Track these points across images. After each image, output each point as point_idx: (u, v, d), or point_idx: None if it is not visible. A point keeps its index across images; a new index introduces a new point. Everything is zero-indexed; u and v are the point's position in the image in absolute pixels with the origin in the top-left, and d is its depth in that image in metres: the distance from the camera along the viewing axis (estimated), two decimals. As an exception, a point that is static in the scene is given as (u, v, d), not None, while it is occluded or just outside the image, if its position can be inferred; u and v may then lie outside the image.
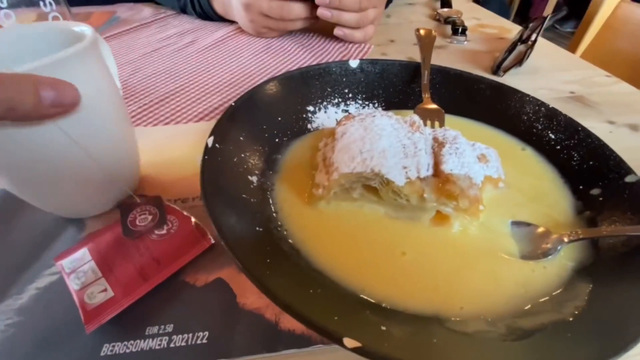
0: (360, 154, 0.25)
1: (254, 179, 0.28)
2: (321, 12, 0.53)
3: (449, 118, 0.36)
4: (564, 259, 0.23)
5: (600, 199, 0.26)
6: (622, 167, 0.27)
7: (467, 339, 0.17)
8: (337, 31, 0.57)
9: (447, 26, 0.68)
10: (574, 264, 0.23)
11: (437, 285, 0.21)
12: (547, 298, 0.20)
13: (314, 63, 0.53)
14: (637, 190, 0.25)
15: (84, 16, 0.67)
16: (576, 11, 2.54)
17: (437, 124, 0.34)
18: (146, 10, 0.72)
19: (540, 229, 0.24)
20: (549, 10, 2.56)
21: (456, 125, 0.33)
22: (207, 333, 0.21)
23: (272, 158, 0.31)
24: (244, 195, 0.25)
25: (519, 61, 0.52)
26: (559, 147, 0.31)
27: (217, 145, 0.26)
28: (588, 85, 0.50)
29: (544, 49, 0.61)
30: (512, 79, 0.50)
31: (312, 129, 0.36)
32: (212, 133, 0.27)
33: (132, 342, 0.21)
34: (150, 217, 0.27)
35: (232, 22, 0.65)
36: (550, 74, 0.53)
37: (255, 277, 0.17)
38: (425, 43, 0.41)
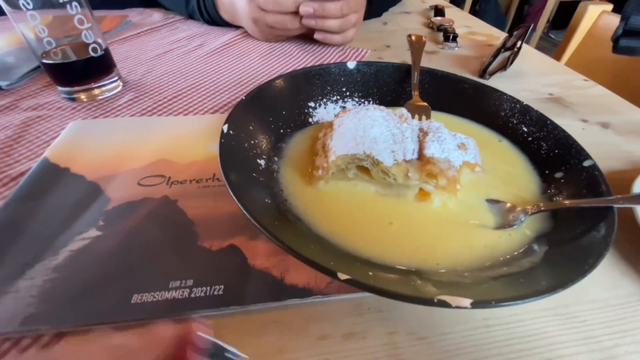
0: (354, 139, 0.29)
1: (262, 162, 0.32)
2: (306, 21, 0.56)
3: (436, 114, 0.40)
4: (527, 229, 0.27)
5: (562, 180, 0.30)
6: (581, 154, 0.31)
7: (441, 283, 0.21)
8: (317, 35, 0.59)
9: (440, 33, 0.72)
10: (534, 233, 0.27)
11: (418, 247, 0.25)
12: (508, 257, 0.24)
13: (300, 65, 0.57)
14: (592, 172, 0.29)
15: (97, 19, 0.72)
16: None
17: (424, 117, 0.38)
18: (156, 15, 0.76)
19: (509, 205, 0.28)
20: (543, 21, 2.63)
21: (442, 119, 0.37)
22: (222, 286, 0.25)
23: (278, 146, 0.35)
24: (254, 174, 0.29)
25: (504, 66, 0.56)
26: (530, 138, 0.35)
27: (230, 132, 0.30)
28: (566, 88, 0.55)
29: (529, 55, 0.66)
30: (497, 82, 0.55)
31: (312, 123, 0.40)
32: (227, 121, 0.31)
33: (158, 292, 0.25)
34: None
35: (238, 27, 0.69)
36: (533, 78, 0.58)
37: (266, 229, 0.21)
38: (416, 47, 0.46)
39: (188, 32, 0.69)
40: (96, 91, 0.47)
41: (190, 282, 0.25)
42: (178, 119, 0.44)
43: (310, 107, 0.41)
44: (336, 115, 0.35)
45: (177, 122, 0.43)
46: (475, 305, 0.17)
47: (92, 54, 0.45)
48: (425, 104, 0.40)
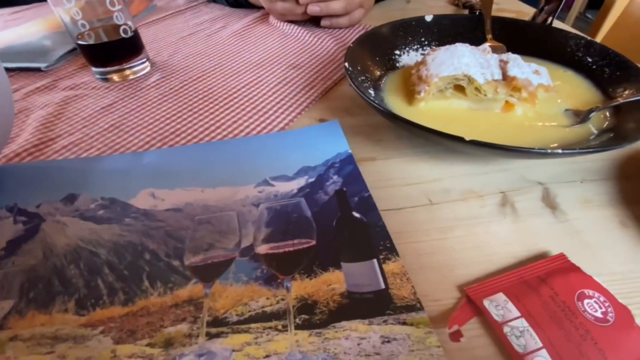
0: (452, 65, 0.37)
1: (371, 92, 0.41)
2: (310, 8, 0.58)
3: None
4: (592, 125, 0.36)
5: (626, 92, 0.38)
6: (639, 72, 0.38)
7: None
8: (324, 22, 0.61)
9: (466, 11, 0.70)
10: (597, 128, 0.35)
11: (504, 139, 0.34)
12: (576, 142, 0.33)
13: (319, 47, 0.57)
14: (650, 83, 0.36)
15: (126, 3, 0.72)
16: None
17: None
18: (180, -1, 0.78)
19: (577, 110, 0.37)
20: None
21: (513, 57, 0.45)
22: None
23: (378, 83, 0.44)
24: (370, 99, 0.39)
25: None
26: (594, 66, 0.42)
27: (350, 68, 0.40)
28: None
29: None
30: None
31: (399, 67, 0.49)
32: (345, 60, 0.40)
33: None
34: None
35: (258, 8, 0.72)
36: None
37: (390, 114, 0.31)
38: (486, -1, 0.53)
39: (210, 15, 0.71)
40: (127, 72, 0.50)
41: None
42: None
43: (396, 54, 0.49)
44: (427, 54, 0.43)
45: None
46: (564, 152, 0.26)
47: (123, 35, 0.47)
48: (500, 44, 0.47)
